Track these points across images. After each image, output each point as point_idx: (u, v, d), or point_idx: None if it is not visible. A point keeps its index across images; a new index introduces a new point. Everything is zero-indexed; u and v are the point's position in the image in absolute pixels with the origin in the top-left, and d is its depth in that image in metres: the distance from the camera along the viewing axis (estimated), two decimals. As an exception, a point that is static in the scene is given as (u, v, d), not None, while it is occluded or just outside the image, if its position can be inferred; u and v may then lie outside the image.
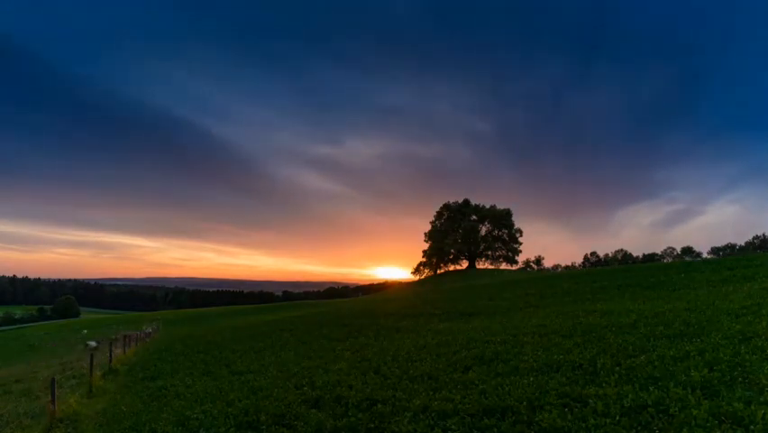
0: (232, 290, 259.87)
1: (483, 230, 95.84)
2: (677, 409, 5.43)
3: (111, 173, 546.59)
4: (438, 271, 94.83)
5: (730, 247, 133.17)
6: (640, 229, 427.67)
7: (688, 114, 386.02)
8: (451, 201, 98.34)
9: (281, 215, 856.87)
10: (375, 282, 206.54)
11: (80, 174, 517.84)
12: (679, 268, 25.92)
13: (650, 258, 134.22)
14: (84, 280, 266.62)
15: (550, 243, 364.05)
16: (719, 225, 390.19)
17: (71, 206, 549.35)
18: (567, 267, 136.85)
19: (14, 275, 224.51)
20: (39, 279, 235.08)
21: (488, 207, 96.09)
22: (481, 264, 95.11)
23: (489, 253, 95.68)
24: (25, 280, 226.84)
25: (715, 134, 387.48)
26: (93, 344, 32.99)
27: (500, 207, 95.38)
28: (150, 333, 34.17)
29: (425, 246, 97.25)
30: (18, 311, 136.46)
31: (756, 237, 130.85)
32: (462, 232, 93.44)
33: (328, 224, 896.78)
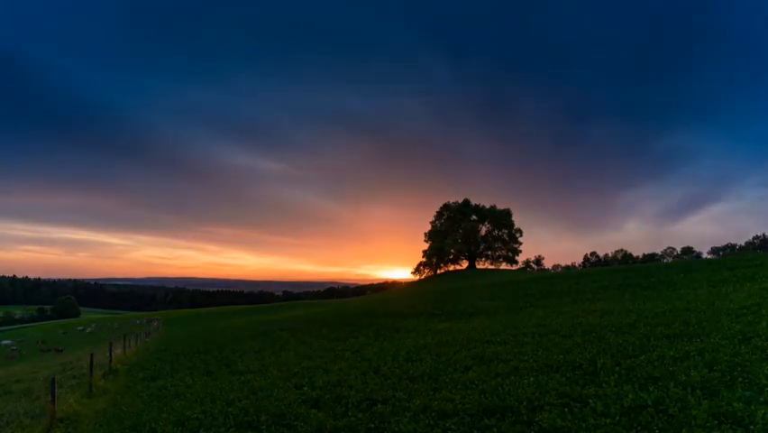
0: (231, 289, 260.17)
1: (483, 230, 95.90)
2: (677, 409, 5.43)
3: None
4: (438, 271, 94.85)
5: (730, 247, 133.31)
6: (645, 220, 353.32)
7: (709, 54, 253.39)
8: (451, 201, 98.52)
9: (232, 203, 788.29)
10: (375, 282, 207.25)
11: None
12: (679, 268, 25.92)
13: (650, 258, 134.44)
14: (84, 280, 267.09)
15: (545, 237, 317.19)
16: (746, 211, 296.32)
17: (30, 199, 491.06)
18: (567, 267, 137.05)
19: (14, 275, 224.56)
20: (39, 279, 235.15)
21: (488, 207, 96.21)
22: (481, 264, 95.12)
23: (489, 253, 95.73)
24: (25, 280, 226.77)
25: (746, 79, 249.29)
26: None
27: (499, 206, 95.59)
28: (149, 332, 34.31)
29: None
30: (18, 311, 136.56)
31: (756, 237, 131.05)
32: (462, 232, 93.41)
33: (285, 213, 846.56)
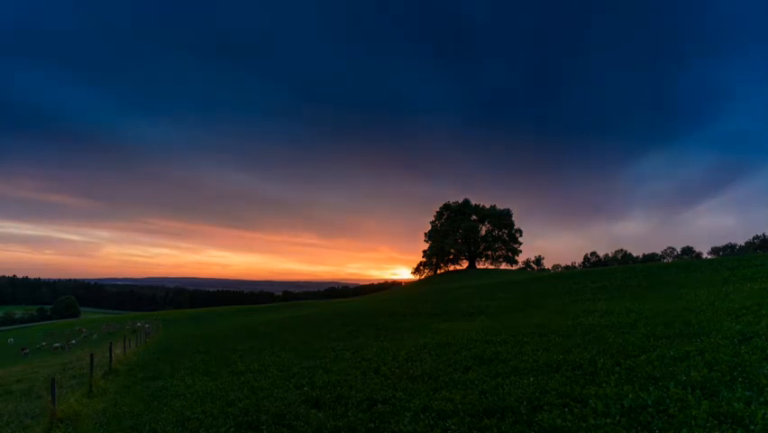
0: (232, 289, 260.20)
1: (483, 230, 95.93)
2: (677, 409, 5.43)
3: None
4: (438, 271, 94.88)
5: (730, 247, 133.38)
6: (653, 206, 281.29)
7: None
8: (451, 201, 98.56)
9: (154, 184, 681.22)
10: (375, 282, 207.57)
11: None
12: (679, 268, 25.92)
13: (650, 258, 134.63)
14: (84, 280, 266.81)
15: (541, 229, 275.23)
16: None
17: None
18: (567, 267, 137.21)
19: (14, 275, 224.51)
20: (39, 279, 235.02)
21: (488, 207, 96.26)
22: (481, 264, 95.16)
23: (489, 253, 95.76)
24: (25, 280, 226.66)
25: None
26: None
27: (499, 206, 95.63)
28: (149, 332, 34.37)
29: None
30: (18, 311, 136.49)
31: (756, 237, 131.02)
32: (462, 232, 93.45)
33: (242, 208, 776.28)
